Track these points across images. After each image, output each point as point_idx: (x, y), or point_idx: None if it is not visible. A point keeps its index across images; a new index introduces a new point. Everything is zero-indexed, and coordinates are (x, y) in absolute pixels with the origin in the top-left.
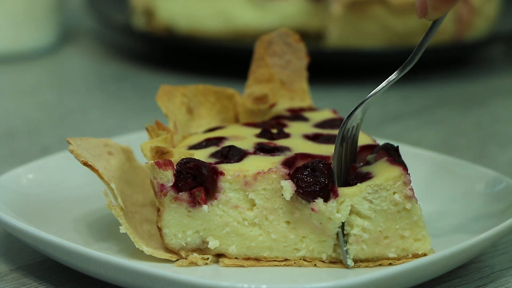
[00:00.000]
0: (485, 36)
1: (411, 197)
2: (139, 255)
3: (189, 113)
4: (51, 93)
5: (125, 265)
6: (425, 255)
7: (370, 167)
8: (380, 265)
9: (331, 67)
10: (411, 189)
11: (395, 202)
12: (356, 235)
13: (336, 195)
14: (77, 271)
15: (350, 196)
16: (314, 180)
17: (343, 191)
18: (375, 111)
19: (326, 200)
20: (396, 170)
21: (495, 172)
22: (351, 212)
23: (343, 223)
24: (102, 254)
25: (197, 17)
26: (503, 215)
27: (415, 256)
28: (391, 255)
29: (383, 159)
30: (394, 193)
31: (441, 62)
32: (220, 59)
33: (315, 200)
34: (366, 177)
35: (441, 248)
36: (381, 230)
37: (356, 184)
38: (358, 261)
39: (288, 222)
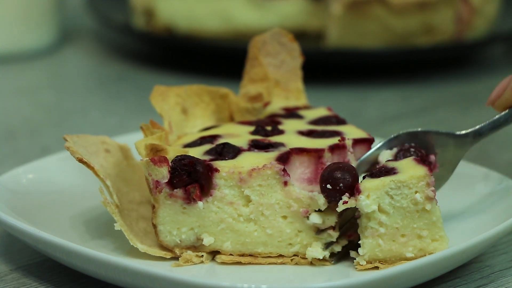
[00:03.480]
0: (485, 36)
1: (432, 199)
2: (136, 253)
3: (184, 114)
4: (51, 93)
5: (125, 265)
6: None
7: (395, 163)
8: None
9: (331, 67)
10: (434, 191)
11: (415, 201)
12: (372, 228)
13: (358, 191)
14: (77, 271)
15: (373, 189)
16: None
17: (365, 185)
18: (375, 111)
19: (351, 195)
20: (421, 170)
21: (495, 172)
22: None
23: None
24: (102, 254)
25: (197, 17)
26: (503, 215)
27: (431, 254)
28: (409, 254)
29: (409, 158)
30: (416, 192)
31: (441, 62)
32: (220, 59)
33: (342, 197)
34: (391, 172)
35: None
36: (398, 227)
37: (380, 177)
38: (377, 261)
39: (284, 217)
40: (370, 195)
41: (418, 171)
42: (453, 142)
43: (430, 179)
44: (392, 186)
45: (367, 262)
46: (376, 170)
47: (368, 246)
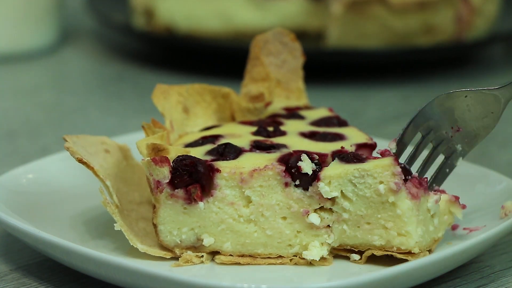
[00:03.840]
0: (485, 36)
1: (396, 191)
2: (136, 253)
3: (185, 112)
4: (51, 93)
5: (125, 265)
6: (409, 252)
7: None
8: (369, 249)
9: (331, 67)
10: (397, 183)
11: (378, 193)
12: (336, 212)
13: (318, 178)
14: (77, 271)
15: (335, 177)
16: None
17: (326, 173)
18: (375, 111)
19: (306, 188)
20: (387, 160)
21: (495, 172)
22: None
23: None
24: (102, 254)
25: (197, 17)
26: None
27: (399, 250)
28: (376, 243)
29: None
30: (381, 182)
31: (441, 62)
32: (220, 59)
33: (312, 184)
34: (360, 158)
35: (441, 247)
36: (362, 214)
37: (348, 163)
38: (347, 246)
39: (284, 218)
40: (331, 182)
41: (383, 160)
42: (491, 95)
43: (395, 169)
44: (356, 175)
45: (339, 247)
46: (346, 155)
47: (335, 231)
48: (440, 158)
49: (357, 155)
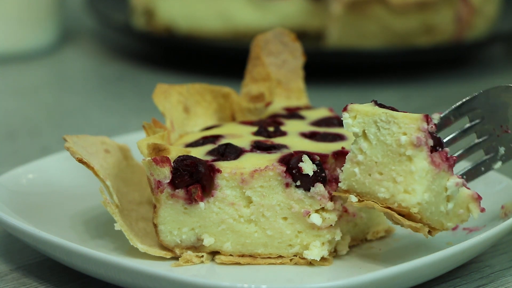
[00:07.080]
0: (485, 36)
1: (416, 146)
2: (136, 252)
3: (186, 112)
4: (51, 93)
5: (125, 265)
6: (408, 210)
7: None
8: (369, 199)
9: (331, 67)
10: (419, 138)
11: (399, 143)
12: (353, 152)
13: (345, 109)
14: (77, 271)
15: (362, 114)
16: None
17: (354, 106)
18: None
19: (307, 188)
20: (417, 114)
21: (495, 172)
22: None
23: None
24: (102, 254)
25: (197, 17)
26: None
27: (400, 207)
28: (381, 195)
29: None
30: (404, 133)
31: (441, 62)
32: (220, 59)
33: (314, 185)
34: (394, 109)
35: (441, 247)
36: (376, 161)
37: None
38: (351, 191)
39: (285, 218)
40: (357, 117)
41: (413, 114)
42: None
43: (422, 124)
44: (383, 118)
45: (345, 191)
46: (383, 104)
47: (345, 172)
48: (478, 153)
49: (393, 108)
